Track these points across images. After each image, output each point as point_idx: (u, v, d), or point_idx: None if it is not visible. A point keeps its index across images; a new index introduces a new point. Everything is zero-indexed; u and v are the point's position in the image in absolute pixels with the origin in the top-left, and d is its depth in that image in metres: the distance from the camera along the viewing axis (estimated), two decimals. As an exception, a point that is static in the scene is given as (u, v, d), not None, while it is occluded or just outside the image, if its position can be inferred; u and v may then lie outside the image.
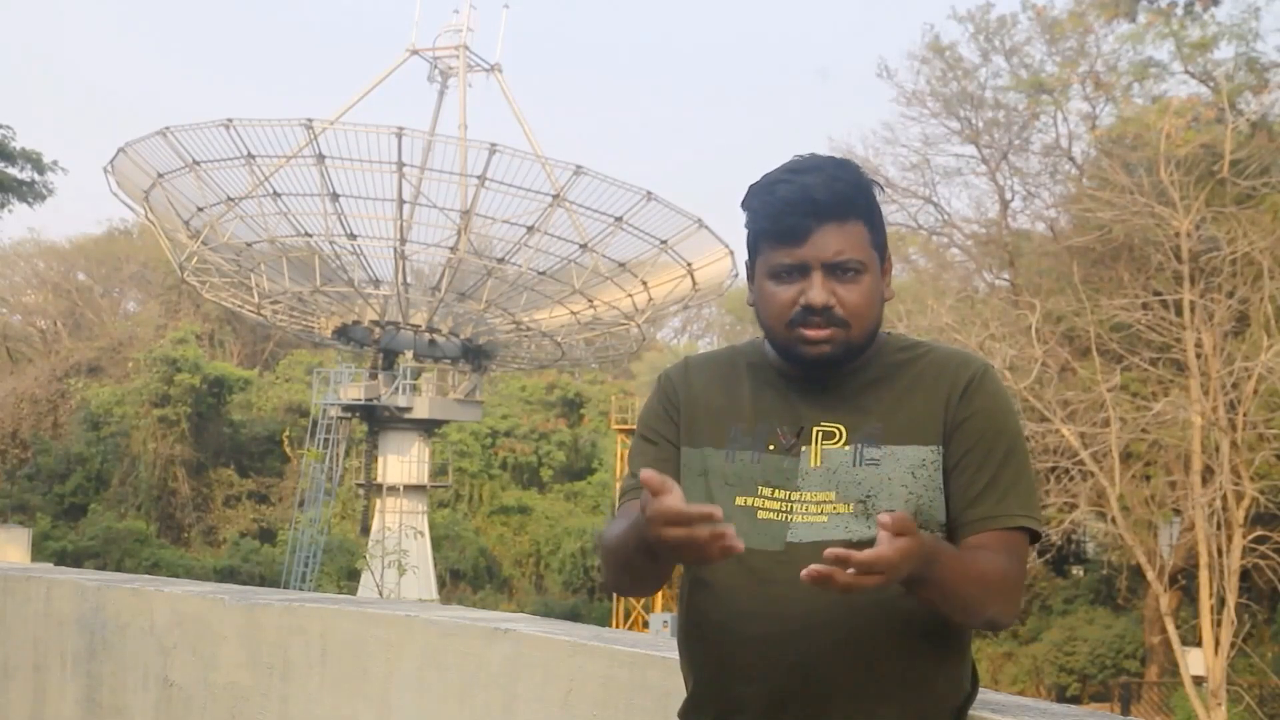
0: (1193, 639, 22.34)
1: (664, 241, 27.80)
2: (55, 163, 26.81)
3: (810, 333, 1.83)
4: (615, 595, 31.03)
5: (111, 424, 39.16)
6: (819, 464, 1.86)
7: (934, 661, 1.87)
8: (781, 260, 1.84)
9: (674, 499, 1.61)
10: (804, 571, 1.56)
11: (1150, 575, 21.45)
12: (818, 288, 1.82)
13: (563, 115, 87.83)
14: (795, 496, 1.85)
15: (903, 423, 1.86)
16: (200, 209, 27.29)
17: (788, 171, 1.87)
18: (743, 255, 1.99)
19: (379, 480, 30.71)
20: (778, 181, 1.86)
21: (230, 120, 25.04)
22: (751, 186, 1.89)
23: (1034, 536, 1.87)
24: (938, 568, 1.68)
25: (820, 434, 1.87)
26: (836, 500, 1.84)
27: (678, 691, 2.02)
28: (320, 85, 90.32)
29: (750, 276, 1.94)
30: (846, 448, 1.85)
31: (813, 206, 1.82)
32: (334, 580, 25.81)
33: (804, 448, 1.87)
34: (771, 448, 1.88)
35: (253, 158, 25.79)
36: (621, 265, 28.41)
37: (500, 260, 28.34)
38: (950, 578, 1.71)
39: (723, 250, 28.71)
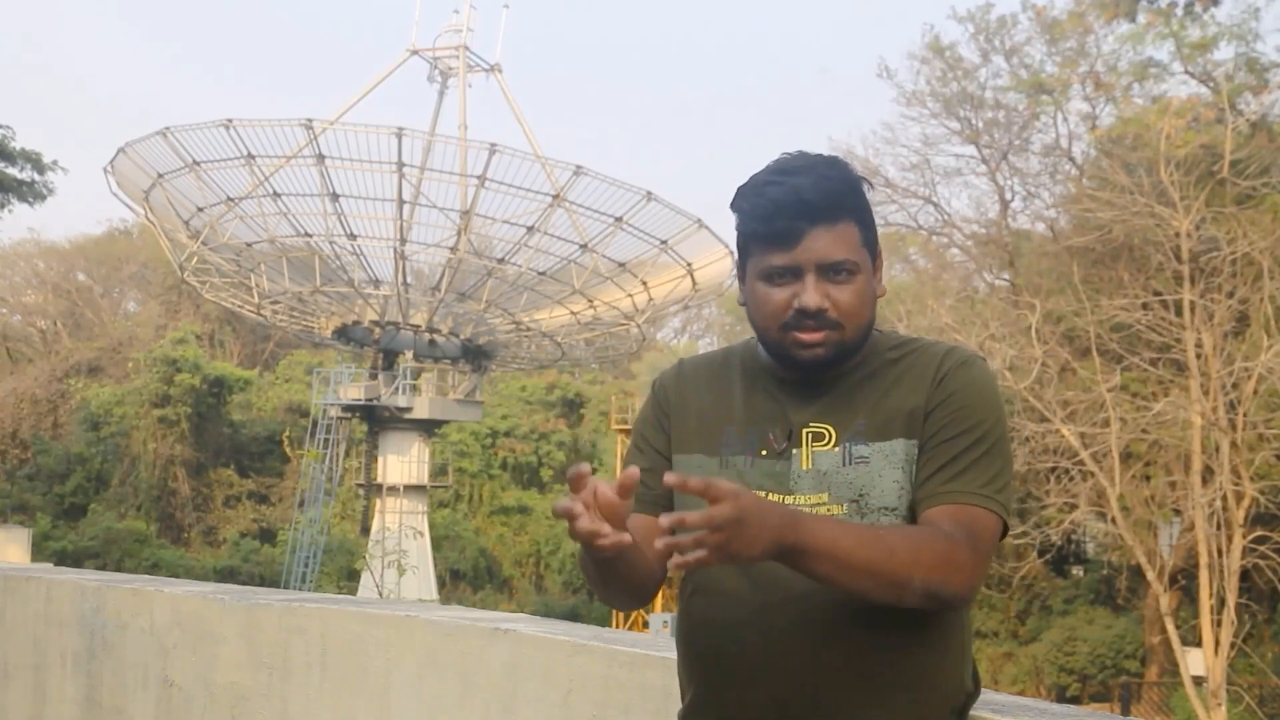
0: (1193, 639, 22.34)
1: (664, 242, 27.78)
2: (55, 163, 26.85)
3: (804, 336, 1.81)
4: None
5: (111, 424, 39.15)
6: (810, 466, 1.84)
7: (935, 662, 1.85)
8: (773, 262, 1.82)
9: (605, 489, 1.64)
10: (657, 542, 1.53)
11: (1150, 575, 21.46)
12: (811, 291, 1.80)
13: (563, 115, 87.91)
14: (790, 501, 1.83)
15: (888, 417, 1.84)
16: (200, 209, 27.28)
17: (777, 173, 1.84)
18: (740, 255, 1.97)
19: (379, 480, 30.69)
20: (767, 183, 1.83)
21: (230, 120, 25.02)
22: (740, 188, 1.86)
23: (1005, 527, 1.81)
24: (810, 534, 1.61)
25: (810, 435, 1.85)
26: (830, 502, 1.82)
27: (677, 692, 2.02)
28: (320, 85, 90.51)
29: (741, 277, 1.92)
30: (835, 449, 1.83)
31: (804, 209, 1.79)
32: (334, 580, 25.79)
33: (794, 450, 1.85)
34: (764, 452, 1.87)
35: (253, 158, 25.77)
36: (621, 265, 28.39)
37: (500, 260, 28.32)
38: (839, 545, 1.63)
39: (723, 250, 28.66)
